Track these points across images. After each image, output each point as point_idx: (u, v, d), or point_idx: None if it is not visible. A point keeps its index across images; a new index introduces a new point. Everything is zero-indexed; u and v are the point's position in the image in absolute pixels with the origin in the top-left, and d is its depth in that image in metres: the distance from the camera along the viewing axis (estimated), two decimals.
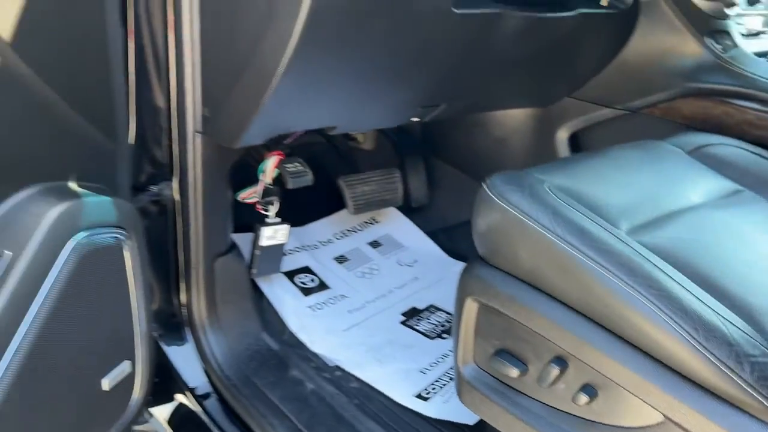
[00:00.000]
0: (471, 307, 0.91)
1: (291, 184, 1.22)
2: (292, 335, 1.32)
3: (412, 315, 1.44)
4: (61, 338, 0.83)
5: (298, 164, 1.22)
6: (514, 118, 1.63)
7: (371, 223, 1.73)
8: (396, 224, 1.74)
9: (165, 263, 1.22)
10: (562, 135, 1.54)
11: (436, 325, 1.41)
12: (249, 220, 1.33)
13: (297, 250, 1.55)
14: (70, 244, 0.83)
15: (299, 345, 1.30)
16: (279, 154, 1.21)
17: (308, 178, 1.24)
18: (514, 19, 1.11)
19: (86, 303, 0.87)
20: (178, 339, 1.23)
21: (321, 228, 1.66)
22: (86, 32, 0.88)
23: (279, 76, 0.91)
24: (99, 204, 0.88)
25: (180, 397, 1.27)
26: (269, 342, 1.28)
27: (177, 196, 1.19)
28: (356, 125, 1.30)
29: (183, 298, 1.23)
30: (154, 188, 1.17)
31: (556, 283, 0.83)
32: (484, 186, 0.91)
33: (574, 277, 0.80)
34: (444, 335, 1.37)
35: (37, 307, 0.79)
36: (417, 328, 1.39)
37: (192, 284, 1.22)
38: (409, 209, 1.76)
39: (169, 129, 1.14)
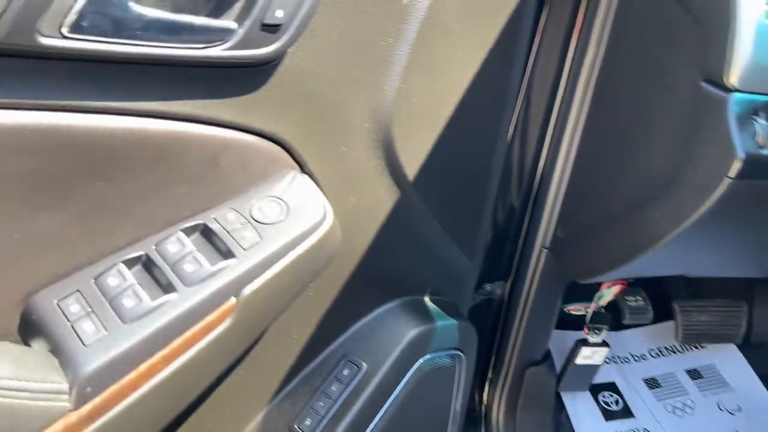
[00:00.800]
0: None
1: (628, 319, 1.14)
2: None
3: None
4: None
5: (640, 299, 1.14)
6: None
7: (695, 347, 1.55)
8: (725, 356, 1.53)
9: (478, 357, 1.23)
10: None
11: None
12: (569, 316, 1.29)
13: (606, 360, 1.46)
14: (416, 365, 0.88)
15: None
16: (622, 284, 1.13)
17: (648, 316, 1.14)
18: None
19: (414, 415, 0.92)
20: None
21: (636, 339, 1.53)
22: (473, 165, 0.91)
23: (660, 245, 0.84)
24: (447, 328, 0.91)
25: None
26: None
27: (506, 298, 1.19)
28: (715, 273, 1.16)
29: (485, 396, 1.24)
30: (488, 286, 1.18)
31: None
32: None
33: None
34: None
35: (378, 418, 0.85)
36: None
37: (497, 386, 1.23)
38: (745, 342, 1.53)
39: (516, 237, 1.14)
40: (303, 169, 0.71)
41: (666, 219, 0.81)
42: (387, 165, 0.78)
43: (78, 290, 0.58)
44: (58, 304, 0.57)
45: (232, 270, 0.61)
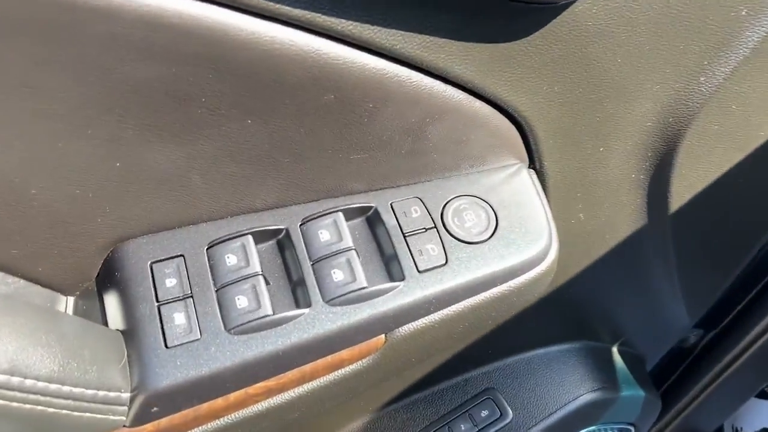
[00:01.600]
0: None
1: None
2: None
3: None
4: None
5: None
6: None
7: None
8: None
9: None
10: None
11: None
12: None
13: None
14: None
15: None
16: None
17: None
18: None
19: None
20: None
21: None
22: (757, 211, 0.63)
23: None
24: (630, 400, 0.68)
25: None
26: None
27: (698, 351, 0.93)
28: None
29: None
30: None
31: None
32: None
33: None
34: None
35: None
36: None
37: None
38: None
39: (748, 286, 0.85)
40: (533, 163, 0.48)
41: None
42: (650, 184, 0.53)
43: (182, 255, 0.41)
44: (151, 267, 0.41)
45: (394, 299, 0.41)
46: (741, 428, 1.06)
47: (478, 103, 0.42)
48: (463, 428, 0.64)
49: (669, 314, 0.70)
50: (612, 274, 0.60)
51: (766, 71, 0.47)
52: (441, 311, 0.43)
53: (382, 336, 0.42)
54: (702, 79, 0.46)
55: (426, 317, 0.42)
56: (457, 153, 0.44)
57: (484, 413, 0.64)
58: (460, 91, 0.41)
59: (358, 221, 0.44)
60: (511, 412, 0.64)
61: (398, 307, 0.41)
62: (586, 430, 0.67)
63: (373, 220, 0.44)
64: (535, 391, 0.65)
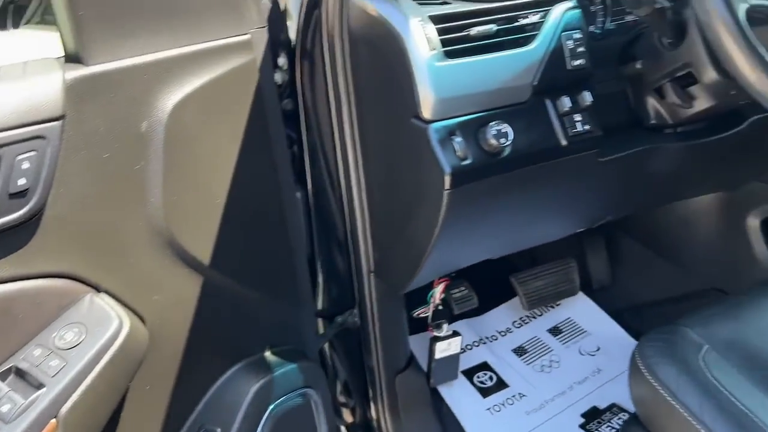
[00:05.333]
0: None
1: (457, 310, 1.30)
2: None
3: (592, 417, 1.43)
4: None
5: (463, 288, 1.30)
6: (699, 199, 1.54)
7: (552, 306, 1.74)
8: (577, 306, 1.72)
9: (362, 381, 1.37)
10: (753, 221, 1.42)
11: (618, 430, 1.39)
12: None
13: (475, 344, 1.62)
14: (266, 413, 1.00)
15: None
16: (445, 281, 1.30)
17: (473, 302, 1.31)
18: (670, 149, 1.08)
19: None
20: None
21: (498, 316, 1.70)
22: (263, 224, 1.03)
23: (436, 236, 0.98)
24: (286, 374, 1.04)
25: None
26: None
27: (359, 322, 1.33)
28: (520, 247, 1.34)
29: (372, 410, 1.38)
30: (339, 318, 1.32)
31: None
32: (636, 353, 0.92)
33: None
34: None
35: None
36: None
37: (377, 399, 1.36)
38: (589, 290, 1.74)
39: (349, 268, 1.28)
40: (99, 289, 0.83)
41: (428, 219, 0.97)
42: (179, 259, 0.90)
43: None
44: None
45: (43, 398, 0.72)
46: None
47: (37, 282, 0.77)
48: None
49: (279, 314, 1.08)
50: (210, 317, 0.95)
51: (176, 177, 0.87)
52: (77, 389, 0.74)
53: (53, 420, 0.73)
54: (152, 199, 0.85)
55: (71, 397, 0.74)
56: (46, 309, 0.77)
57: None
58: (19, 282, 0.75)
59: (11, 378, 0.75)
60: (218, 429, 0.96)
61: (49, 400, 0.72)
62: (272, 406, 1.01)
63: (18, 372, 0.75)
64: (226, 407, 0.98)
